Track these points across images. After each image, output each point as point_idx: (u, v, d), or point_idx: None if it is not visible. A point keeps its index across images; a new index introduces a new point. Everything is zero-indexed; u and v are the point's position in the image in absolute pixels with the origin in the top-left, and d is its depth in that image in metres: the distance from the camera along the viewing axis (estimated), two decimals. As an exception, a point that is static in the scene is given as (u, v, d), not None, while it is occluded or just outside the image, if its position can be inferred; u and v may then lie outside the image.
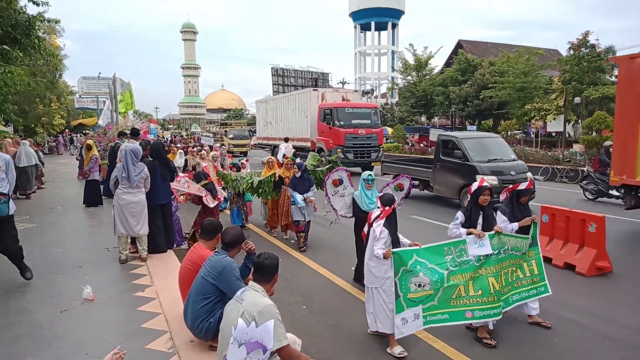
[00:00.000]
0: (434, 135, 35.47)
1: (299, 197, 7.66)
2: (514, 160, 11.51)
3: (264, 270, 3.16)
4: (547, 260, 6.96)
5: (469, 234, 4.50)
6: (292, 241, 8.44)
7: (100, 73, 37.66)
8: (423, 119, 42.29)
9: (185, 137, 33.72)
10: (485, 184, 4.75)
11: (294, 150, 22.51)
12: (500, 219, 4.96)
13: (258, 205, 10.30)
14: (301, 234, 7.89)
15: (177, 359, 3.86)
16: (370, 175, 5.83)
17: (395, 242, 4.35)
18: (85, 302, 5.13)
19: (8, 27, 9.55)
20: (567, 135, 26.71)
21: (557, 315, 5.06)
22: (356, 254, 6.01)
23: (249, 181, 8.65)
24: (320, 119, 20.19)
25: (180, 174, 8.27)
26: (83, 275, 6.00)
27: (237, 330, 2.19)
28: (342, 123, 19.18)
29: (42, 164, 16.53)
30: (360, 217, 5.70)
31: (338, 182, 6.13)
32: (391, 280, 4.15)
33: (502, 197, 5.24)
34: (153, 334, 4.32)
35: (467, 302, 4.29)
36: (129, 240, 6.76)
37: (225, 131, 38.63)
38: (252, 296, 3.06)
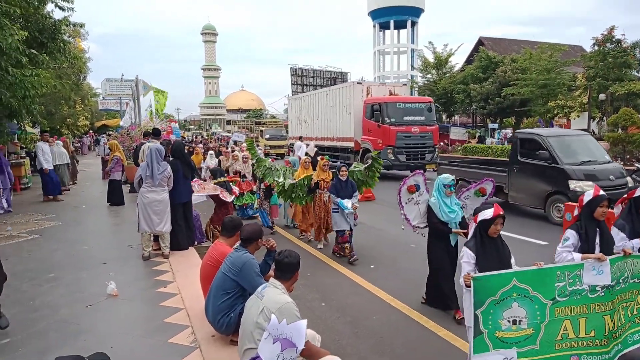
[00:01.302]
0: (454, 133, 35.19)
1: (347, 204, 6.89)
2: (608, 162, 9.83)
3: (284, 268, 3.20)
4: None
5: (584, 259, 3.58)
6: (320, 247, 7.86)
7: (123, 75, 38.31)
8: (443, 117, 41.89)
9: (206, 138, 34.09)
10: (601, 193, 3.85)
11: (316, 149, 22.12)
12: (618, 236, 4.05)
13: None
14: (346, 245, 7.08)
15: (199, 353, 3.94)
16: (451, 180, 5.04)
17: (490, 267, 3.48)
18: (110, 298, 5.26)
19: (35, 32, 9.85)
20: (592, 133, 26.12)
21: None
22: (430, 270, 5.26)
23: (280, 183, 7.92)
24: (366, 116, 17.96)
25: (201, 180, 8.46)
26: (107, 271, 6.15)
27: (271, 325, 2.22)
28: (392, 120, 16.84)
29: (77, 161, 18.19)
30: (437, 228, 5.08)
31: (414, 189, 5.26)
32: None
33: (617, 210, 4.44)
34: (175, 329, 4.41)
35: (574, 344, 3.45)
36: (152, 238, 6.91)
37: (261, 131, 36.07)
38: (272, 293, 3.11)
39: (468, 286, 3.33)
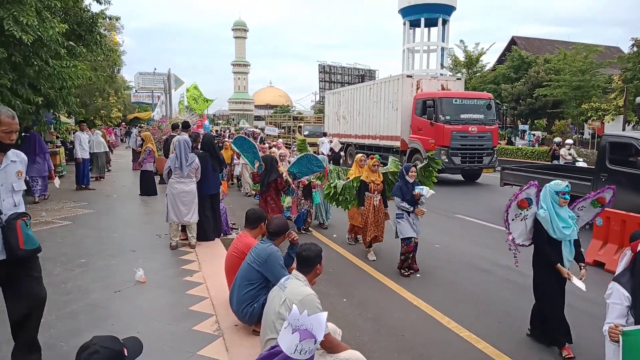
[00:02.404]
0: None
1: (426, 193, 6.24)
2: None
3: (304, 261, 3.25)
4: (600, 265, 6.72)
5: None
6: (373, 259, 7.05)
7: (155, 69, 39.05)
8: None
9: (234, 132, 34.44)
10: None
11: (341, 145, 20.85)
12: None
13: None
14: (410, 254, 6.35)
15: (222, 341, 4.03)
16: (565, 185, 4.16)
17: None
18: (138, 284, 5.41)
19: (74, 25, 10.16)
20: (628, 137, 25.27)
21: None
22: (535, 297, 4.45)
23: (332, 185, 7.29)
24: (415, 113, 16.32)
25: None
26: (136, 259, 6.31)
27: (291, 316, 2.26)
28: (447, 118, 15.21)
29: (111, 151, 19.37)
30: (544, 248, 4.20)
31: (527, 204, 4.32)
32: None
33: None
34: (200, 317, 4.52)
35: None
36: (180, 228, 7.06)
37: (299, 127, 33.58)
38: (294, 284, 3.16)
39: (615, 341, 2.60)
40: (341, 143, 21.73)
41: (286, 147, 13.27)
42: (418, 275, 6.31)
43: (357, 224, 7.54)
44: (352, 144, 21.53)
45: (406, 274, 6.26)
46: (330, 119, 24.78)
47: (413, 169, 6.33)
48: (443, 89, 17.01)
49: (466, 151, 15.26)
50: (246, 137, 8.71)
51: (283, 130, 37.37)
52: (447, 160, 14.77)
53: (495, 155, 15.99)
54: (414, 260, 6.42)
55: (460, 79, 18.67)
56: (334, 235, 8.57)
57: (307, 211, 8.66)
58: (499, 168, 13.24)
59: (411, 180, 6.28)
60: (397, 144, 17.23)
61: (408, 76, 17.78)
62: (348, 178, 7.55)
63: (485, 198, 13.11)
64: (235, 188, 14.23)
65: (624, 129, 23.30)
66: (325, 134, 22.14)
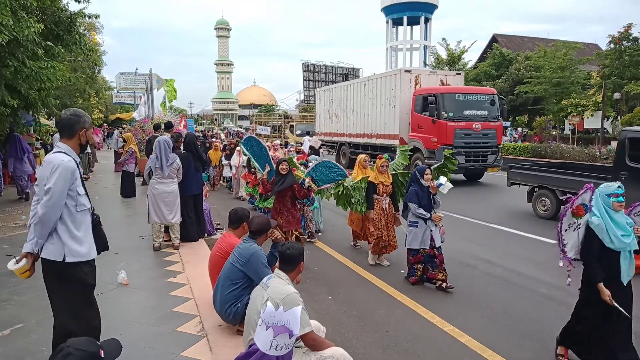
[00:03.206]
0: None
1: (445, 183, 5.66)
2: None
3: (287, 260, 3.25)
4: None
5: None
6: (372, 264, 6.63)
7: (137, 69, 38.54)
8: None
9: (219, 132, 34.17)
10: None
11: (320, 143, 20.50)
12: None
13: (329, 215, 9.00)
14: (419, 266, 5.74)
15: (206, 342, 4.01)
16: (617, 187, 3.60)
17: None
18: (120, 287, 5.36)
19: (52, 24, 9.99)
20: (605, 132, 25.82)
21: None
22: (574, 317, 3.88)
23: (340, 185, 6.76)
24: (415, 110, 15.55)
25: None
26: (118, 261, 6.24)
27: (266, 313, 2.28)
28: (450, 114, 14.37)
29: (97, 150, 19.47)
30: (593, 262, 3.60)
31: (583, 211, 3.71)
32: None
33: None
34: (184, 318, 4.49)
35: None
36: (163, 229, 7.00)
37: (291, 126, 31.93)
38: (276, 283, 3.16)
39: None
40: (334, 142, 21.23)
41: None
42: (450, 292, 5.54)
43: (357, 230, 7.16)
44: (346, 143, 20.69)
45: (410, 279, 5.77)
46: (322, 117, 23.81)
47: (428, 171, 5.75)
48: (442, 84, 16.20)
49: (470, 149, 14.45)
50: (256, 137, 7.87)
51: (271, 129, 36.75)
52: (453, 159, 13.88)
53: (500, 154, 15.31)
54: (444, 275, 5.64)
55: (460, 73, 17.77)
56: (319, 234, 8.57)
57: (307, 217, 8.01)
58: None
59: (426, 184, 5.67)
60: (396, 142, 16.43)
61: (406, 71, 16.91)
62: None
63: (488, 198, 13.22)
64: (226, 191, 13.88)
65: (602, 125, 23.78)
66: (309, 133, 21.97)
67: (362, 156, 7.20)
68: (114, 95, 43.09)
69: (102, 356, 1.83)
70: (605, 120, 24.89)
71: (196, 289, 5.23)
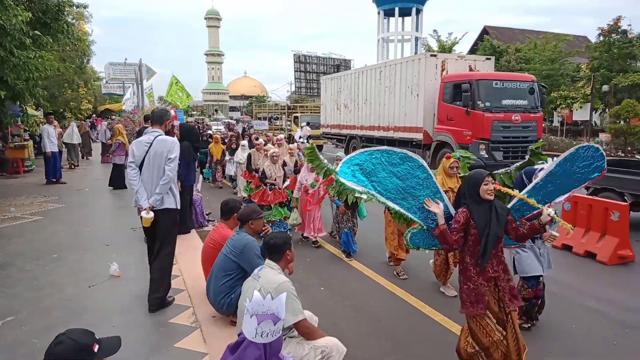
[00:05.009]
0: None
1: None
2: None
3: (273, 249, 3.27)
4: (568, 248, 6.93)
5: None
6: (450, 294, 4.73)
7: (126, 59, 38.14)
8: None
9: (208, 124, 33.85)
10: None
11: (310, 132, 18.52)
12: None
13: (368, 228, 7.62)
14: (538, 301, 4.41)
15: (200, 333, 4.02)
16: None
17: None
18: (112, 278, 5.35)
19: (39, 12, 9.83)
20: (594, 124, 26.09)
21: (576, 303, 5.05)
22: None
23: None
24: (443, 99, 13.50)
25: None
26: (110, 253, 6.23)
27: (253, 302, 2.28)
28: (487, 105, 12.39)
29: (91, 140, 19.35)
30: None
31: None
32: None
33: None
34: (177, 309, 4.49)
35: None
36: (154, 221, 6.97)
37: (295, 117, 29.06)
38: (268, 273, 3.17)
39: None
40: (342, 135, 19.83)
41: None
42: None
43: (394, 250, 5.88)
44: (357, 137, 18.57)
45: (526, 325, 4.35)
46: (328, 107, 21.61)
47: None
48: (471, 70, 14.21)
49: (509, 144, 12.47)
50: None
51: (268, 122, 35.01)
52: (487, 155, 12.20)
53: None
54: (542, 307, 4.45)
55: (490, 58, 15.46)
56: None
57: (352, 232, 6.69)
58: None
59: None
60: (419, 136, 14.42)
61: (432, 55, 14.70)
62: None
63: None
64: (230, 190, 12.49)
65: (591, 117, 24.01)
66: (308, 124, 21.35)
67: (449, 161, 5.00)
68: (102, 86, 42.67)
69: (95, 350, 1.82)
70: (593, 113, 25.11)
71: (189, 280, 5.22)
